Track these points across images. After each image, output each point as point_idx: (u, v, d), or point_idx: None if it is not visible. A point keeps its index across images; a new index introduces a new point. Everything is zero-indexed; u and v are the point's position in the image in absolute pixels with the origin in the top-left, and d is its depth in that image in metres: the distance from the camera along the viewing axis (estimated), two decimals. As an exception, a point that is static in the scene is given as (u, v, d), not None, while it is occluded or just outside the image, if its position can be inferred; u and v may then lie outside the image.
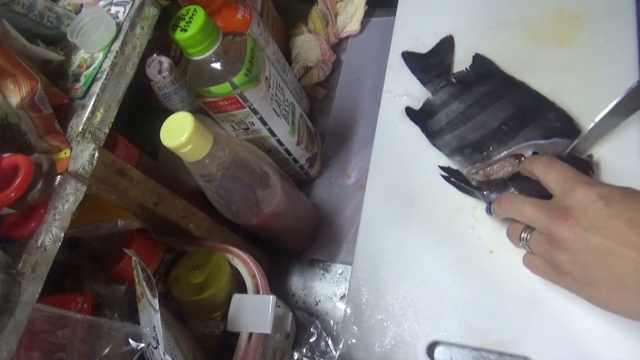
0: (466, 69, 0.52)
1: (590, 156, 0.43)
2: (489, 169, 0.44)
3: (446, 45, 0.55)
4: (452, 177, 0.46)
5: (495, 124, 0.46)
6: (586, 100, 0.45)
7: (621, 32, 0.47)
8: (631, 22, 0.47)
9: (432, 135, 0.50)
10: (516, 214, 0.39)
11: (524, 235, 0.39)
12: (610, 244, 0.32)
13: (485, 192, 0.44)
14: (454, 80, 0.52)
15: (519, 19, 0.53)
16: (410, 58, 0.57)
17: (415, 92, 0.54)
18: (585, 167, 0.41)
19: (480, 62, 0.52)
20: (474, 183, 0.45)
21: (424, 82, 0.54)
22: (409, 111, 0.53)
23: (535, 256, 0.39)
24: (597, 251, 0.32)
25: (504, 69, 0.50)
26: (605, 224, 0.32)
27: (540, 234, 0.37)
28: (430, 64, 0.55)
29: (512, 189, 0.42)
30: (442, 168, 0.47)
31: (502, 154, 0.44)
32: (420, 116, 0.52)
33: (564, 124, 0.44)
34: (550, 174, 0.37)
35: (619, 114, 0.40)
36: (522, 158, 0.43)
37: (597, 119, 0.40)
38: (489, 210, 0.43)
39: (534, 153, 0.43)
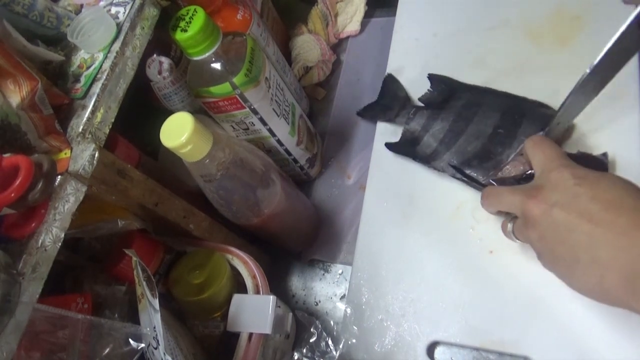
0: (428, 90, 0.53)
1: (604, 154, 0.42)
2: (500, 173, 0.44)
3: (390, 83, 0.56)
4: (466, 176, 0.46)
5: (489, 130, 0.46)
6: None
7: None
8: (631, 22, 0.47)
9: (428, 159, 0.48)
10: (498, 205, 0.38)
11: (509, 226, 0.38)
12: (570, 219, 0.31)
13: None
14: (421, 104, 0.52)
15: (519, 19, 0.53)
16: (366, 112, 0.59)
17: (415, 93, 0.54)
18: (599, 166, 0.41)
19: (439, 81, 0.53)
20: None
21: (392, 120, 0.53)
22: (391, 146, 0.51)
23: (507, 223, 0.38)
24: (558, 226, 0.31)
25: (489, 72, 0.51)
26: (570, 200, 0.31)
27: (520, 219, 0.36)
28: (386, 105, 0.55)
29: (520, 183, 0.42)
30: (455, 167, 0.46)
31: (511, 156, 0.43)
32: (404, 147, 0.51)
33: (551, 110, 0.45)
34: (537, 154, 0.37)
35: (586, 91, 0.39)
36: None
37: (566, 99, 0.40)
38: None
39: None
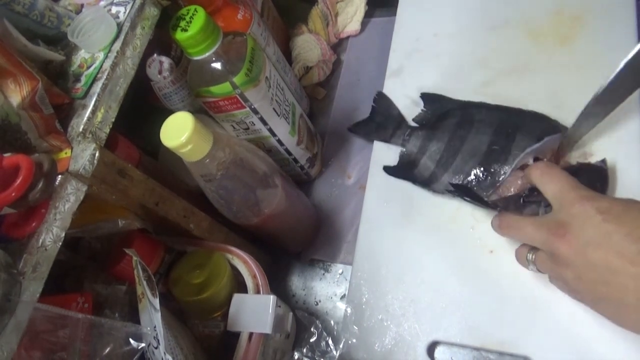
0: (422, 110, 0.52)
1: (603, 161, 0.42)
2: (500, 190, 0.43)
3: (382, 100, 0.55)
4: (468, 195, 0.45)
5: (484, 148, 0.45)
6: (586, 101, 0.46)
7: (621, 32, 0.47)
8: (631, 22, 0.47)
9: (427, 182, 0.48)
10: (517, 236, 0.38)
11: (529, 256, 0.38)
12: (609, 259, 0.30)
13: (500, 210, 0.43)
14: (416, 125, 0.52)
15: (519, 19, 0.53)
16: (358, 128, 0.58)
17: (415, 93, 0.54)
18: (598, 174, 0.41)
19: (432, 99, 0.52)
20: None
21: (387, 140, 0.53)
22: (390, 170, 0.51)
23: (539, 261, 0.38)
24: (597, 267, 0.31)
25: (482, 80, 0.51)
26: (603, 239, 0.31)
27: (544, 253, 0.36)
28: (380, 124, 0.54)
29: (526, 202, 0.41)
30: (454, 185, 0.46)
31: (508, 171, 0.43)
32: (403, 170, 0.50)
33: (545, 122, 0.45)
34: (548, 185, 0.36)
35: (604, 103, 0.39)
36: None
37: (582, 109, 0.40)
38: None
39: (536, 159, 0.43)
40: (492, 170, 0.44)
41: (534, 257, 0.37)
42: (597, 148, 0.44)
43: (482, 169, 0.45)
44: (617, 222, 0.31)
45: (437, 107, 0.51)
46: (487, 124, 0.46)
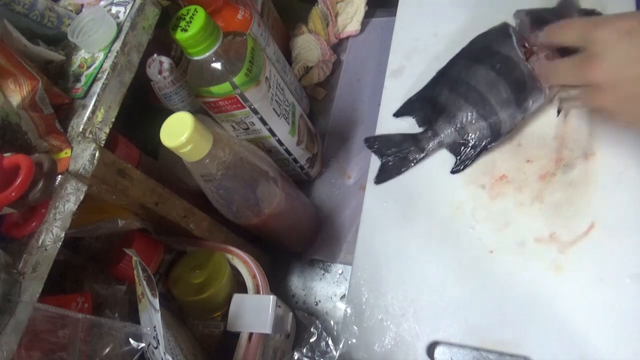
0: (415, 117, 0.53)
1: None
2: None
3: (377, 141, 0.53)
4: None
5: (491, 73, 0.46)
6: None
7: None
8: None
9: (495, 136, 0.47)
10: (555, 80, 0.40)
11: (568, 95, 0.39)
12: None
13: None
14: (425, 126, 0.51)
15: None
16: (384, 176, 0.52)
17: (414, 93, 0.54)
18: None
19: (411, 107, 0.53)
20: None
21: (421, 159, 0.50)
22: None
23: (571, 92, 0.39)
24: (633, 87, 0.32)
25: None
26: (637, 53, 0.32)
27: (580, 89, 0.37)
28: (397, 156, 0.51)
29: None
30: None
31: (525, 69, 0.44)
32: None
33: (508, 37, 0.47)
34: (566, 34, 0.37)
35: None
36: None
37: None
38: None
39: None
40: (516, 77, 0.45)
41: (567, 94, 0.39)
42: (597, 146, 0.44)
43: (509, 85, 0.45)
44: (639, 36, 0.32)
45: (422, 104, 0.52)
46: (470, 62, 0.48)
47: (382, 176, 0.51)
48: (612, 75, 0.33)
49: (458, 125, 0.47)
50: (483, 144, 0.47)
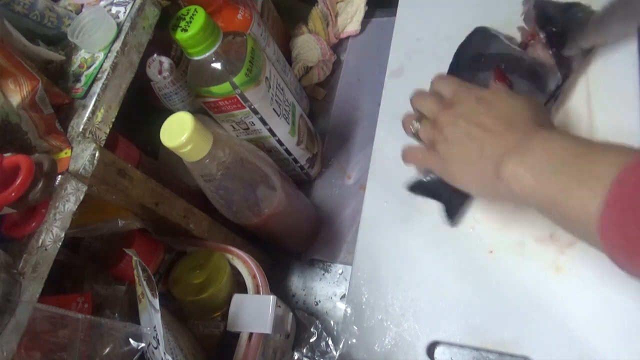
0: None
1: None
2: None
3: (422, 187, 0.50)
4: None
5: None
6: (586, 101, 0.46)
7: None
8: (631, 22, 0.47)
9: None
10: (419, 104, 0.44)
11: (415, 124, 0.44)
12: (470, 128, 0.38)
13: None
14: None
15: (519, 19, 0.53)
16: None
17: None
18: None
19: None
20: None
21: None
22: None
23: (415, 149, 0.45)
24: (459, 133, 0.38)
25: None
26: (471, 113, 0.39)
27: (429, 122, 0.42)
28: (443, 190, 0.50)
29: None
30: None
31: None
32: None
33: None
34: (443, 86, 0.43)
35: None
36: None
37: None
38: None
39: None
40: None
41: (418, 124, 0.44)
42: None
43: (524, 78, 0.46)
44: (487, 105, 0.38)
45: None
46: (473, 72, 0.48)
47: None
48: (448, 121, 0.39)
49: None
50: None
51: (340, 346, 0.45)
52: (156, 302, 0.35)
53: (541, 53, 0.46)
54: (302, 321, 0.50)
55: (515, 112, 0.38)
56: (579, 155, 0.31)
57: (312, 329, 0.49)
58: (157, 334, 0.34)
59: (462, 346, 0.42)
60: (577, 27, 0.45)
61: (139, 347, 0.35)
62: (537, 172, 0.33)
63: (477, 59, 0.48)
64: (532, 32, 0.48)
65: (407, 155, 0.46)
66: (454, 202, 0.46)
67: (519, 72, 0.46)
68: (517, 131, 0.36)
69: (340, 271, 0.57)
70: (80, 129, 0.36)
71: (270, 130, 0.50)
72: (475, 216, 0.45)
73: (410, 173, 0.50)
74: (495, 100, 0.39)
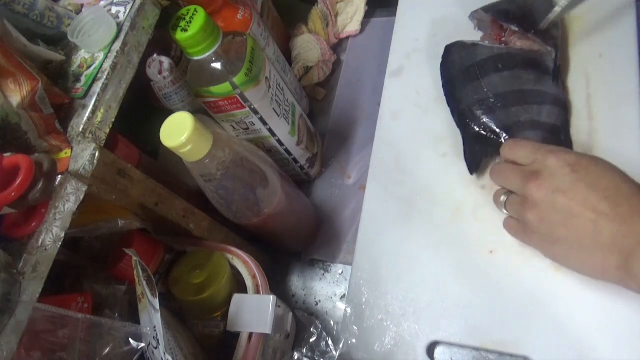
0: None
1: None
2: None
3: None
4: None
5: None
6: (585, 101, 0.46)
7: (621, 32, 0.47)
8: (631, 22, 0.47)
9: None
10: (500, 181, 0.43)
11: (502, 198, 0.42)
12: (573, 206, 0.35)
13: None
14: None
15: None
16: None
17: (415, 94, 0.54)
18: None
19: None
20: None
21: None
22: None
23: (511, 218, 0.42)
24: (561, 211, 0.35)
25: None
26: (570, 187, 0.35)
27: (516, 196, 0.40)
28: None
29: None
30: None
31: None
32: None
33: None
34: (519, 152, 0.41)
35: None
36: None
37: None
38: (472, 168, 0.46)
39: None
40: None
41: (506, 198, 0.41)
42: (598, 142, 0.44)
43: (527, 70, 0.46)
44: (584, 174, 0.35)
45: (484, 148, 0.47)
46: (476, 81, 0.48)
47: None
48: (543, 197, 0.36)
49: (536, 122, 0.45)
50: (561, 122, 0.45)
51: (340, 346, 0.45)
52: (156, 302, 0.35)
53: (523, 42, 0.46)
54: (302, 321, 0.50)
55: (615, 184, 0.34)
56: None
57: (312, 329, 0.49)
58: (157, 334, 0.34)
59: (462, 346, 0.42)
60: (536, 1, 0.47)
61: (139, 347, 0.35)
62: None
63: (470, 70, 0.48)
64: (496, 33, 0.48)
65: (504, 224, 0.43)
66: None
67: (518, 67, 0.46)
68: (632, 214, 0.33)
69: (340, 271, 0.57)
70: (80, 129, 0.36)
71: (270, 130, 0.50)
72: (475, 216, 0.45)
73: (411, 175, 0.50)
74: (590, 169, 0.35)
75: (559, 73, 0.46)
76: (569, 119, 0.46)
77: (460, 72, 0.49)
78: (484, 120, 0.46)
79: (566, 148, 0.40)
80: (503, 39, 0.48)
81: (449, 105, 0.50)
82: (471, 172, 0.46)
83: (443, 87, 0.50)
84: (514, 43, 0.47)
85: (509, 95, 0.46)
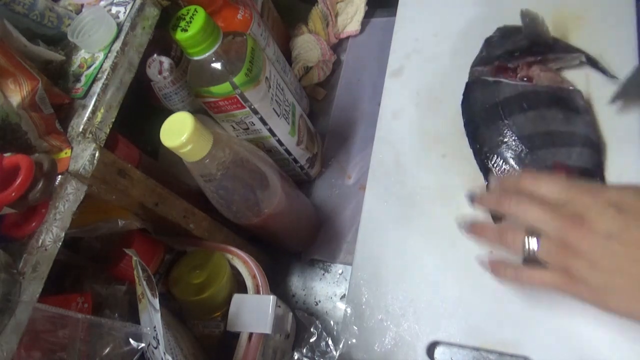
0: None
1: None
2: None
3: None
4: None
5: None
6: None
7: (621, 32, 0.47)
8: (631, 22, 0.47)
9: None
10: (518, 213, 0.36)
11: (530, 244, 0.35)
12: (631, 252, 0.31)
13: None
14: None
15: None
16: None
17: (415, 93, 0.54)
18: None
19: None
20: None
21: None
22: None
23: (539, 270, 0.35)
24: (617, 258, 0.32)
25: None
26: (623, 232, 0.31)
27: (551, 241, 0.34)
28: None
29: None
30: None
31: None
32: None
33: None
34: (546, 187, 0.36)
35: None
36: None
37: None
38: (470, 198, 0.41)
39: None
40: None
41: (536, 242, 0.35)
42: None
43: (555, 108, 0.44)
44: (633, 214, 0.32)
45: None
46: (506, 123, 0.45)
47: None
48: (593, 244, 0.32)
49: (565, 165, 0.42)
50: (592, 164, 0.43)
51: (340, 346, 0.45)
52: (156, 302, 0.35)
53: (547, 76, 0.44)
54: (302, 321, 0.50)
55: None
56: None
57: (312, 329, 0.49)
58: (157, 334, 0.34)
59: (462, 346, 0.42)
60: (537, 32, 0.46)
61: (139, 347, 0.35)
62: None
63: (493, 110, 0.46)
64: (509, 75, 0.46)
65: (528, 277, 0.36)
66: None
67: (544, 106, 0.44)
68: None
69: (340, 271, 0.57)
70: (80, 129, 0.36)
71: (270, 130, 0.50)
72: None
73: (411, 175, 0.50)
74: (636, 206, 0.32)
75: (590, 111, 0.44)
76: (603, 160, 0.43)
77: (482, 111, 0.46)
78: (509, 164, 0.44)
79: (599, 184, 0.37)
80: (523, 74, 0.45)
81: (471, 147, 0.47)
82: (495, 221, 0.43)
83: (465, 126, 0.48)
84: (539, 77, 0.44)
85: (535, 137, 0.43)
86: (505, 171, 0.44)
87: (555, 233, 0.34)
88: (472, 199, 0.41)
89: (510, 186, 0.38)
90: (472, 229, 0.40)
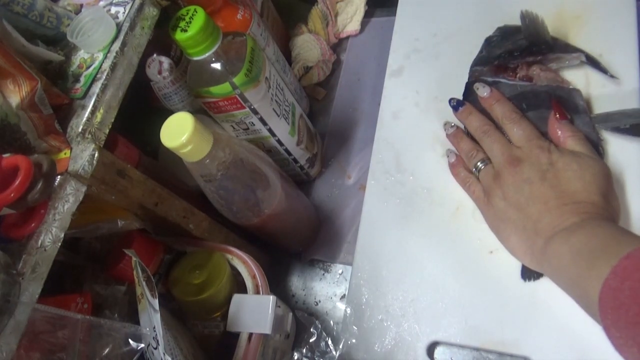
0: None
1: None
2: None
3: None
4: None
5: None
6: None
7: (621, 32, 0.47)
8: (631, 22, 0.47)
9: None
10: (485, 141, 0.44)
11: (480, 164, 0.44)
12: (532, 197, 0.39)
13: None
14: None
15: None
16: None
17: (415, 93, 0.54)
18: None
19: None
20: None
21: None
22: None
23: (476, 183, 0.45)
24: (522, 197, 0.39)
25: None
26: (538, 183, 0.39)
27: (491, 168, 0.43)
28: None
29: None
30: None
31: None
32: None
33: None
34: (515, 129, 0.43)
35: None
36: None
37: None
38: (456, 106, 0.48)
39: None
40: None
41: (483, 166, 0.44)
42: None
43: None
44: (553, 174, 0.39)
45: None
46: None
47: None
48: (513, 181, 0.40)
49: None
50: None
51: (340, 346, 0.45)
52: (156, 303, 0.35)
53: (545, 73, 0.45)
54: (302, 321, 0.50)
55: (574, 189, 0.38)
56: (609, 246, 0.33)
57: (312, 329, 0.49)
58: (156, 335, 0.34)
59: (462, 346, 0.42)
60: (537, 32, 0.46)
61: (139, 348, 0.35)
62: (576, 252, 0.34)
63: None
64: (509, 75, 0.47)
65: (466, 183, 0.46)
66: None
67: (544, 106, 0.44)
68: (577, 210, 0.37)
69: (340, 271, 0.57)
70: (80, 130, 0.35)
71: (270, 130, 0.50)
72: (475, 216, 0.45)
73: (410, 174, 0.50)
74: (565, 168, 0.39)
75: (589, 111, 0.44)
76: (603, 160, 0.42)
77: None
78: None
79: (555, 145, 0.41)
80: (522, 74, 0.46)
81: None
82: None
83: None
84: (538, 77, 0.45)
85: None
86: None
87: (497, 165, 0.43)
88: (457, 109, 0.48)
89: (497, 115, 0.45)
90: (454, 133, 0.48)
